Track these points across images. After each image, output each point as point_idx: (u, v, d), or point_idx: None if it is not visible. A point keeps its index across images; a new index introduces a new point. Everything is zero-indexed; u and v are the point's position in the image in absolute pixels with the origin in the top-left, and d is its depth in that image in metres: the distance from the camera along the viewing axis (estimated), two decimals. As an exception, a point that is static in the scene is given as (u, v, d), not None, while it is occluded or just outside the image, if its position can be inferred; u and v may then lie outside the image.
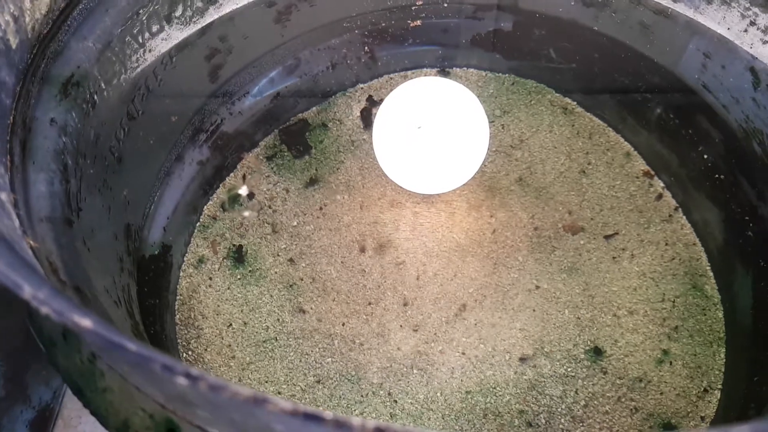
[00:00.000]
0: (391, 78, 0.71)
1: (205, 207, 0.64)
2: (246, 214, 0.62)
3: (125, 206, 0.50)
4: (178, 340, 0.58)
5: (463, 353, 0.58)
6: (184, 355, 0.57)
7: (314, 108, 0.70)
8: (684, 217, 0.63)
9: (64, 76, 0.42)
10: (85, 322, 0.18)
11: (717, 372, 0.57)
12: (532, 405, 0.56)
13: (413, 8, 0.64)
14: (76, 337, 0.27)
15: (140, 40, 0.49)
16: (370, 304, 0.61)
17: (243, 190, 0.64)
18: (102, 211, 0.45)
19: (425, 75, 0.71)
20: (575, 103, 0.69)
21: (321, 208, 0.65)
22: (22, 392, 0.83)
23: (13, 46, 0.36)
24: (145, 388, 0.25)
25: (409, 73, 0.71)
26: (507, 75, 0.71)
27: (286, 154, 0.68)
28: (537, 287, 0.61)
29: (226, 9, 0.56)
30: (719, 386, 0.56)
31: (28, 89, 0.39)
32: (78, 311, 0.18)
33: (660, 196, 0.65)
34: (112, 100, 0.47)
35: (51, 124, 0.40)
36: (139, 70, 0.50)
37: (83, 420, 0.94)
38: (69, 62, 0.43)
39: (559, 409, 0.55)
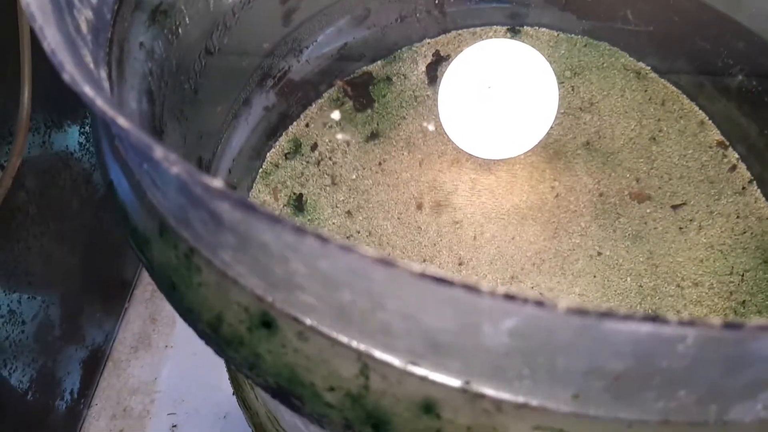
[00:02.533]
0: (459, 34, 0.70)
1: (268, 154, 0.65)
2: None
3: (198, 139, 0.51)
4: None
5: (520, 314, 0.57)
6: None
7: (379, 61, 0.69)
8: (759, 190, 0.61)
9: (153, 3, 0.43)
10: (217, 183, 0.18)
11: (785, 349, 0.55)
12: (588, 368, 0.55)
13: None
14: (174, 234, 0.28)
15: (221, -25, 0.50)
16: (425, 261, 0.60)
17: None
18: (179, 140, 0.46)
19: (494, 32, 0.70)
20: (649, 68, 0.67)
21: (380, 164, 0.65)
22: (76, 332, 0.86)
23: (112, -35, 0.37)
24: (245, 278, 0.25)
25: (478, 29, 0.70)
26: (579, 36, 0.69)
27: (348, 106, 0.68)
28: (599, 254, 0.59)
29: (304, -50, 0.56)
30: (787, 363, 0.54)
31: (123, 11, 0.39)
32: (205, 175, 0.18)
33: (734, 168, 0.62)
34: (193, 33, 0.48)
35: (140, 47, 0.41)
36: (220, 5, 0.50)
37: (131, 364, 0.97)
38: (157, -10, 0.43)
39: (616, 375, 0.54)
